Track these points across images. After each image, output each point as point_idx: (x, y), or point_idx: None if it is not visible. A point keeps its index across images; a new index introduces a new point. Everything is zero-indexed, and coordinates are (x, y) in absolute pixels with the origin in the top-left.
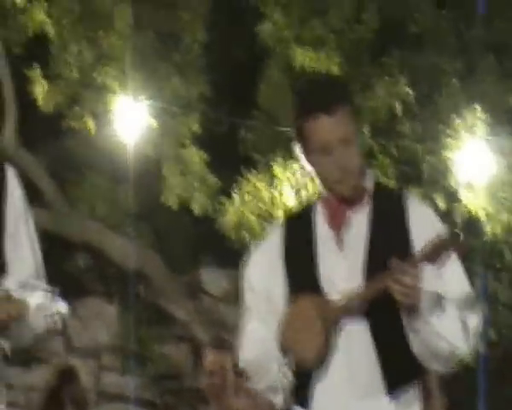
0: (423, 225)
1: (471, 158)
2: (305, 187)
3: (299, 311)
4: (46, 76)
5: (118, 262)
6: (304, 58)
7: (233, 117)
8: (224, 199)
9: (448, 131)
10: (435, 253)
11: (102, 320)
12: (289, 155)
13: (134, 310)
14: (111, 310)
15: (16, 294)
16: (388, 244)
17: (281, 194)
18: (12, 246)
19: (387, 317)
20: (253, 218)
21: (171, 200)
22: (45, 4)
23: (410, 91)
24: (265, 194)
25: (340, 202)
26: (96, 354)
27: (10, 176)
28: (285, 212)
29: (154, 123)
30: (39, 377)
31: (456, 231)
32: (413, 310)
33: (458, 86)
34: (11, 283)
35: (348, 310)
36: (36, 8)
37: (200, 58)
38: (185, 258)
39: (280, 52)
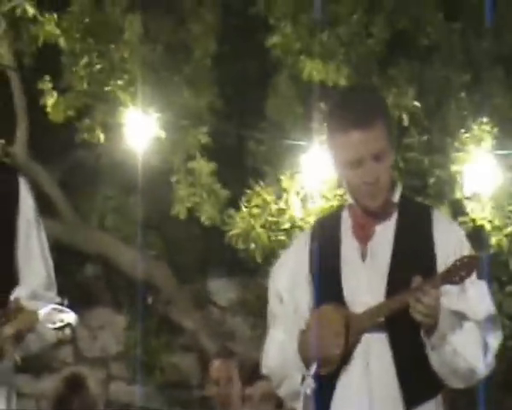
0: (448, 240)
1: (478, 171)
2: (313, 199)
3: (323, 318)
4: (57, 88)
5: (127, 272)
6: (312, 70)
7: (242, 129)
8: (232, 211)
9: (456, 144)
10: (459, 272)
11: (111, 330)
12: (298, 168)
13: (142, 320)
14: (120, 320)
15: (27, 304)
16: (412, 259)
17: (289, 206)
18: (23, 256)
19: (407, 331)
20: (261, 230)
21: (180, 211)
22: (56, 16)
23: (418, 104)
24: (273, 206)
25: (368, 215)
26: (105, 364)
27: (22, 187)
28: (292, 223)
29: (163, 135)
30: (49, 385)
31: (479, 254)
32: (432, 328)
33: (466, 99)
34: (22, 292)
35: (370, 322)
36: (47, 20)
37: (210, 71)
38: (194, 269)
39: (289, 64)
